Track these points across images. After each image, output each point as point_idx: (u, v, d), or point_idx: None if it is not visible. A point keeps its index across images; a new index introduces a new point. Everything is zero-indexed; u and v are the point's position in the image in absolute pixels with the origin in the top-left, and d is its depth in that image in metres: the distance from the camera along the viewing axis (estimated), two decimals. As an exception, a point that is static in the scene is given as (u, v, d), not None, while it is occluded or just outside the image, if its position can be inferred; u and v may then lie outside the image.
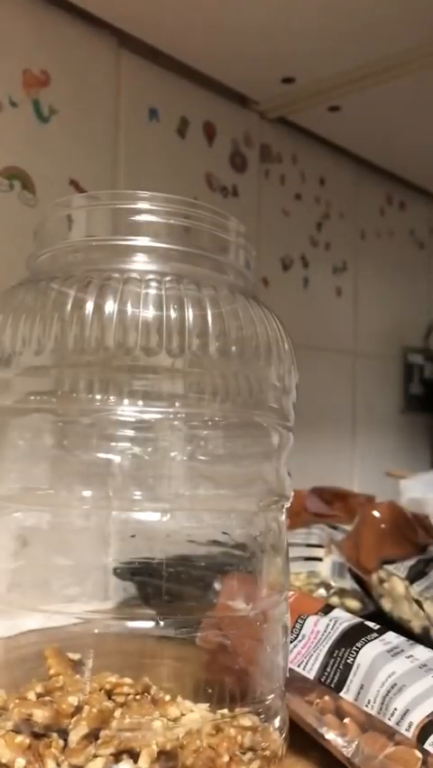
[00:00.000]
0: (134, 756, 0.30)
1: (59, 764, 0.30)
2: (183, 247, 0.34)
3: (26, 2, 0.64)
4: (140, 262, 0.33)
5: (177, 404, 0.33)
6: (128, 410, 0.31)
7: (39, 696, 0.33)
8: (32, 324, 0.31)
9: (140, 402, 0.32)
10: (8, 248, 0.62)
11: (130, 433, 0.32)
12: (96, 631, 0.34)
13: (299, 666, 0.38)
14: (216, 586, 0.37)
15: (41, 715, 0.31)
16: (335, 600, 0.57)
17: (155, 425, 0.32)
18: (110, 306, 0.31)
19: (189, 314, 0.31)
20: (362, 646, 0.37)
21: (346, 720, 0.35)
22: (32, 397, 0.33)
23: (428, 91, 0.82)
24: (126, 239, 0.34)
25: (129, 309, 0.31)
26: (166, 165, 0.76)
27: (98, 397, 0.32)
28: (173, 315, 0.31)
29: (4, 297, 0.34)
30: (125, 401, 0.32)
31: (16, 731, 0.31)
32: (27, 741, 0.30)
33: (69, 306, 0.31)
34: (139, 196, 0.35)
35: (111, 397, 0.31)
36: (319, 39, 0.71)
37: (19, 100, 0.63)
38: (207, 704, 0.35)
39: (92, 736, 0.30)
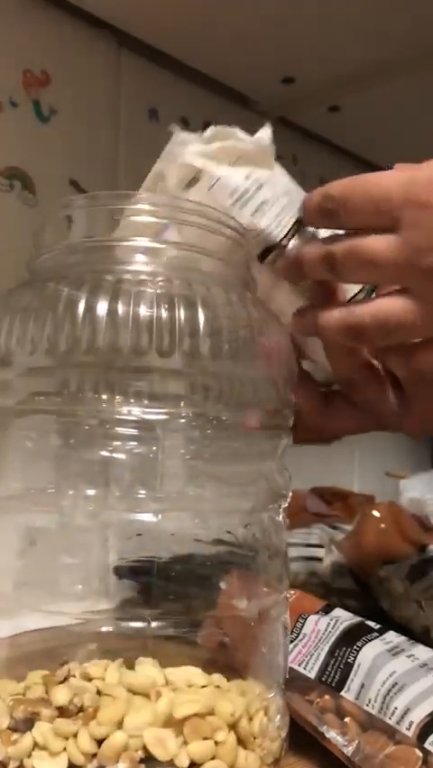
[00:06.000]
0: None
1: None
2: (184, 248, 0.34)
3: (26, 2, 0.64)
4: (140, 263, 0.33)
5: (181, 404, 0.33)
6: (133, 410, 0.31)
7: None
8: (34, 324, 0.32)
9: (145, 402, 0.32)
10: (8, 248, 0.62)
11: (135, 432, 0.32)
12: (98, 630, 0.34)
13: (299, 665, 0.38)
14: (219, 585, 0.38)
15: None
16: (335, 600, 0.57)
17: (160, 424, 0.32)
18: (118, 307, 0.31)
19: (185, 314, 0.31)
20: (362, 646, 0.37)
21: (347, 719, 0.35)
22: (37, 398, 0.33)
23: (428, 91, 0.82)
24: (127, 239, 0.34)
25: (137, 310, 0.31)
26: (166, 165, 0.76)
27: (103, 397, 0.32)
28: (182, 315, 0.31)
29: (4, 298, 0.34)
30: (130, 401, 0.32)
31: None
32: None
33: (74, 307, 0.31)
34: (139, 197, 0.35)
35: (116, 398, 0.32)
36: (319, 39, 0.71)
37: (19, 100, 0.63)
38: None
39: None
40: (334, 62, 0.76)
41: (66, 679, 0.33)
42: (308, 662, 0.38)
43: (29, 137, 0.64)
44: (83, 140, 0.68)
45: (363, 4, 0.65)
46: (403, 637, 0.38)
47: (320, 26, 0.69)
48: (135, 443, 0.32)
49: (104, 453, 0.32)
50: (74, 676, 0.33)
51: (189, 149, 0.37)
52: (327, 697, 0.36)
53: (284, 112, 0.87)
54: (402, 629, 0.49)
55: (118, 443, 0.32)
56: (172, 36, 0.72)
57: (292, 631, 0.40)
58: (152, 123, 0.75)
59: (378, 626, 0.39)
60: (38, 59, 0.65)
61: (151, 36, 0.72)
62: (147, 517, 0.32)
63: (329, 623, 0.40)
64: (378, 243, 0.34)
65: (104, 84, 0.70)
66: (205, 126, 0.38)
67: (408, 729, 0.32)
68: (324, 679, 0.37)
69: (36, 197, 0.64)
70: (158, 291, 0.32)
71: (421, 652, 0.37)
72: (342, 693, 0.36)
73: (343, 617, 0.41)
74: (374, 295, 0.37)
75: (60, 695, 0.31)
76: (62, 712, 0.31)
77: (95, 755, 0.29)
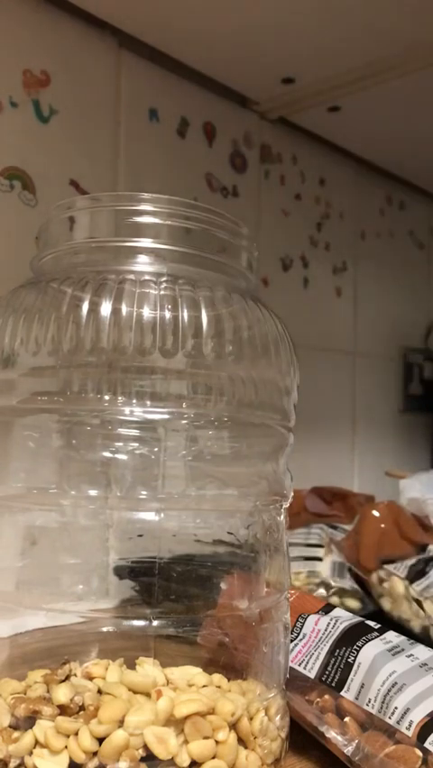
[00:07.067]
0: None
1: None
2: (186, 249, 0.34)
3: (26, 2, 0.64)
4: (143, 263, 0.33)
5: (184, 404, 0.33)
6: (135, 410, 0.32)
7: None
8: (38, 325, 0.32)
9: (147, 402, 0.32)
10: (8, 248, 0.62)
11: (137, 433, 0.32)
12: (99, 629, 0.34)
13: (299, 665, 0.38)
14: (220, 585, 0.38)
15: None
16: (335, 600, 0.57)
17: (162, 425, 0.32)
18: (121, 308, 0.31)
19: (189, 315, 0.32)
20: (362, 645, 0.37)
21: (347, 719, 0.35)
22: (40, 398, 0.33)
23: (429, 91, 0.82)
24: (130, 240, 0.34)
25: (138, 311, 0.31)
26: (166, 165, 0.76)
27: (106, 397, 0.32)
28: (186, 315, 0.31)
29: (8, 298, 0.34)
30: (133, 401, 0.32)
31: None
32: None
33: (78, 307, 0.31)
34: (141, 198, 0.35)
35: (119, 398, 0.32)
36: (319, 39, 0.71)
37: (19, 100, 0.63)
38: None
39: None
40: (334, 62, 0.76)
41: (67, 677, 0.33)
42: (308, 662, 0.38)
43: (29, 137, 0.64)
44: (83, 140, 0.68)
45: (363, 4, 0.65)
46: (403, 637, 0.39)
47: (320, 26, 0.69)
48: (137, 444, 0.32)
49: (106, 454, 0.33)
50: (75, 675, 0.34)
51: None
52: (326, 697, 0.36)
53: (284, 112, 0.87)
54: (402, 629, 0.49)
55: (120, 443, 0.32)
56: (172, 36, 0.72)
57: (292, 631, 0.40)
58: (152, 123, 0.75)
59: (378, 625, 0.39)
60: (38, 59, 0.65)
61: (151, 36, 0.72)
62: (148, 518, 0.32)
63: (329, 623, 0.40)
64: None
65: (104, 84, 0.70)
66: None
67: (408, 729, 0.32)
68: (324, 679, 0.37)
69: (36, 197, 0.64)
70: (161, 292, 0.32)
71: (421, 652, 0.37)
72: (342, 693, 0.36)
73: (343, 617, 0.41)
74: None
75: (61, 693, 0.31)
76: (63, 710, 0.31)
77: (95, 754, 0.29)
